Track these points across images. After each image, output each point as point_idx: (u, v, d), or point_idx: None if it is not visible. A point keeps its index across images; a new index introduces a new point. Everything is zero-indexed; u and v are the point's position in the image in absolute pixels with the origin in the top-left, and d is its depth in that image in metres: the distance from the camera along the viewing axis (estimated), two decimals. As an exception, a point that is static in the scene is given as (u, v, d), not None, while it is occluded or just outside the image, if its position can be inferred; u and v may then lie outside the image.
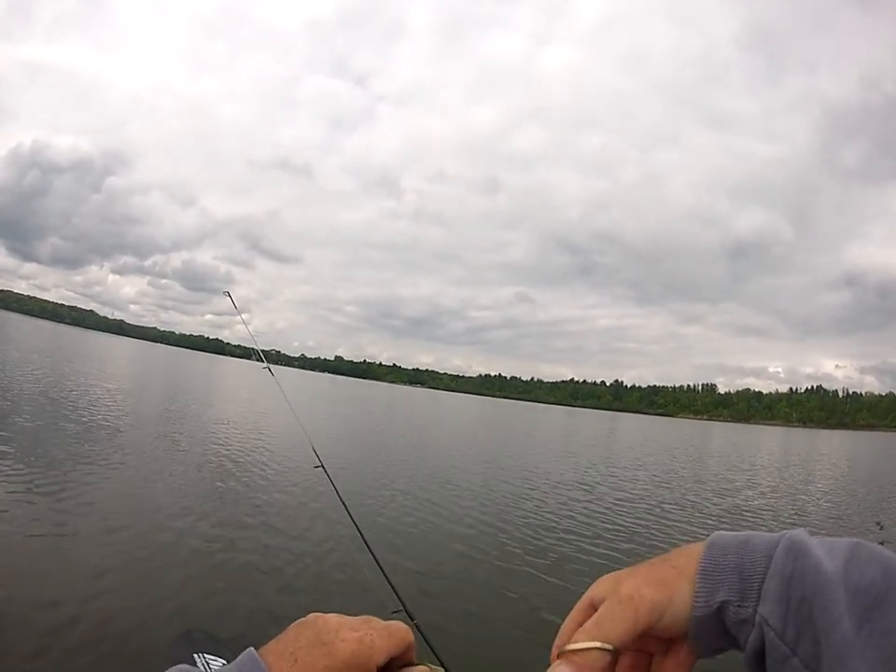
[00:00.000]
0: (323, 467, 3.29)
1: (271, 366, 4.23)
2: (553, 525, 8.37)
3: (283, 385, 4.07)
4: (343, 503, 2.99)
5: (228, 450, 10.96)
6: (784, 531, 0.46)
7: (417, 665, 0.52)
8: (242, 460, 10.11)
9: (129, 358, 45.40)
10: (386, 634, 0.49)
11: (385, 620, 0.51)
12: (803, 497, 13.90)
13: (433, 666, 0.52)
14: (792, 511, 10.92)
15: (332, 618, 0.50)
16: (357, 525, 2.95)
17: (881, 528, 7.97)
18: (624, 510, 9.87)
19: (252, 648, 0.47)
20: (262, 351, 4.32)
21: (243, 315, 4.45)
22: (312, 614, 0.50)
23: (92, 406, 13.01)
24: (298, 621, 0.50)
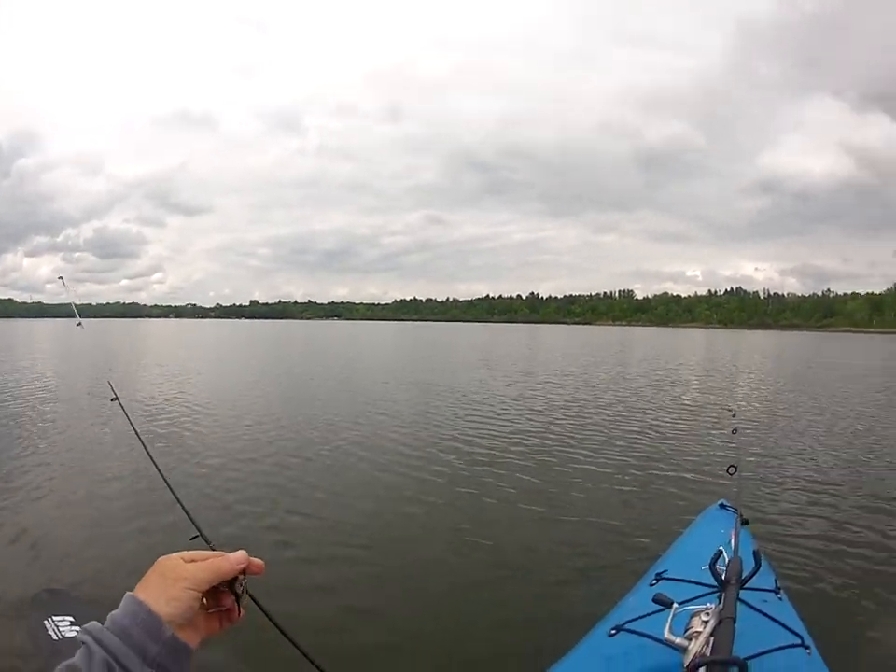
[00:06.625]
0: (116, 395, 2.90)
1: (82, 320, 4.04)
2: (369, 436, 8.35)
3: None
4: (133, 427, 2.67)
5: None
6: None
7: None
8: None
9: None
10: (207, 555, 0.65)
11: (182, 548, 0.67)
12: (681, 387, 15.18)
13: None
14: (664, 401, 11.84)
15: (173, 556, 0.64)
16: (147, 450, 2.68)
17: (734, 416, 8.82)
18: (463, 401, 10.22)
19: (130, 593, 0.60)
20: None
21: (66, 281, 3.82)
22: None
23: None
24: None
